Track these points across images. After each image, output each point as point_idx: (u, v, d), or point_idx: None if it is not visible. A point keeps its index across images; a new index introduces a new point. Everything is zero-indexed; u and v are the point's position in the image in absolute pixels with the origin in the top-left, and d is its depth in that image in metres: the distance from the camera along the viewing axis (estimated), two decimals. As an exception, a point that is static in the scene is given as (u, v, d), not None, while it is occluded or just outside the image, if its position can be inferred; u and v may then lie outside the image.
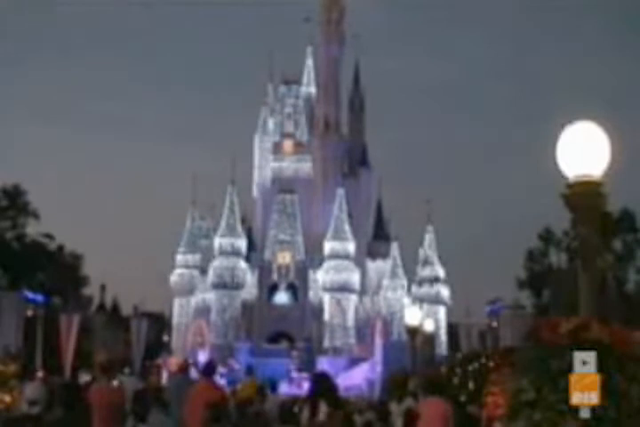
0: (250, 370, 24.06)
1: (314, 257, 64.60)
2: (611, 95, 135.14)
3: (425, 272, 66.17)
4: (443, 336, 61.81)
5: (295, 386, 46.53)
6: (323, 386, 9.11)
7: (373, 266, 68.00)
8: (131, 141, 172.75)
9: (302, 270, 64.79)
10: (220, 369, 40.36)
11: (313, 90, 71.99)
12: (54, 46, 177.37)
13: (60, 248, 58.84)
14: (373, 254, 68.75)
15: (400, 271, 65.23)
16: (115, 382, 12.33)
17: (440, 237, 67.96)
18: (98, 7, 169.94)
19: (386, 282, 64.92)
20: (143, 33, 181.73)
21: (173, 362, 37.58)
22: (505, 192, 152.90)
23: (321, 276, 62.85)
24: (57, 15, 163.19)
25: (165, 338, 68.44)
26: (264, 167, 69.76)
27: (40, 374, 23.66)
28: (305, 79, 73.43)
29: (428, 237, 67.12)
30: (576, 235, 5.54)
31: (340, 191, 64.83)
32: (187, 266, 66.44)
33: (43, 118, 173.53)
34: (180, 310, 66.04)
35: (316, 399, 8.92)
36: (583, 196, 5.44)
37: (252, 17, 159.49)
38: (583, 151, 5.51)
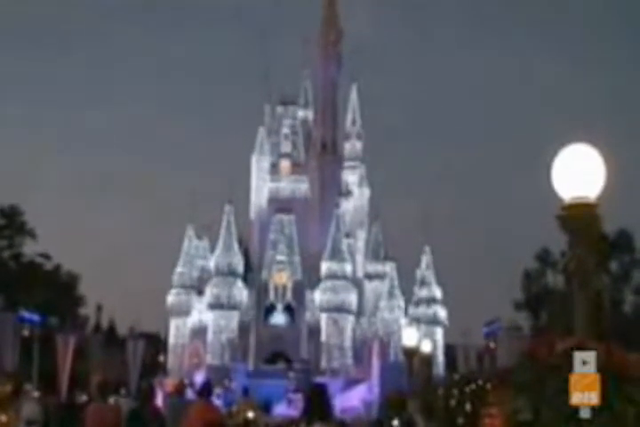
0: (246, 391, 24.03)
1: (311, 277, 64.53)
2: (606, 115, 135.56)
3: (422, 293, 66.08)
4: (440, 357, 61.62)
5: (292, 407, 46.35)
6: (315, 402, 8.14)
7: (370, 286, 67.99)
8: (128, 161, 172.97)
9: (299, 291, 64.68)
10: (217, 390, 40.22)
11: (310, 110, 72.23)
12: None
13: (57, 268, 58.80)
14: (370, 275, 68.75)
15: (397, 292, 65.18)
16: (111, 403, 12.32)
17: (437, 258, 67.97)
18: (97, 25, 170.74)
19: (383, 303, 64.86)
20: (143, 52, 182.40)
21: (170, 383, 37.52)
22: (503, 212, 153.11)
23: (318, 296, 62.75)
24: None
25: (161, 359, 68.20)
26: (261, 188, 69.84)
27: (36, 393, 23.58)
28: (302, 100, 73.71)
29: (426, 258, 67.10)
30: (572, 256, 5.56)
31: (337, 211, 64.88)
32: (183, 286, 66.30)
33: (40, 136, 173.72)
34: (176, 331, 65.84)
35: (310, 418, 8.05)
36: (578, 218, 5.46)
37: (250, 37, 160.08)
38: (578, 173, 5.54)
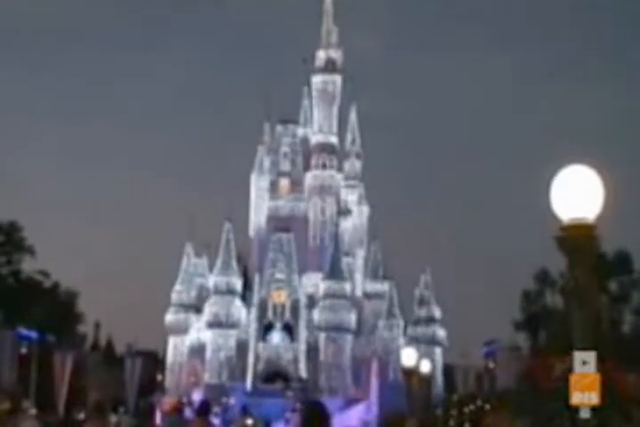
0: (245, 410, 23.99)
1: (309, 296, 64.47)
2: (605, 136, 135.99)
3: (421, 312, 66.02)
4: (439, 377, 61.47)
5: (291, 426, 46.20)
6: (314, 421, 7.70)
7: (369, 306, 67.85)
8: (129, 179, 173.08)
9: (298, 309, 64.60)
10: (215, 409, 40.08)
11: (309, 129, 72.39)
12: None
13: (56, 285, 58.63)
14: (369, 294, 68.64)
15: (396, 311, 65.06)
16: (111, 422, 12.30)
17: (437, 278, 67.97)
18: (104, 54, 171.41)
19: (382, 322, 64.73)
20: (143, 69, 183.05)
21: (167, 401, 37.40)
22: (503, 232, 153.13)
23: (316, 315, 62.66)
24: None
25: (159, 377, 67.98)
26: (260, 206, 69.94)
27: (34, 411, 23.49)
28: (302, 119, 73.93)
29: (425, 278, 67.07)
30: (570, 277, 5.58)
31: (336, 230, 64.92)
32: (182, 304, 66.22)
33: (41, 154, 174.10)
34: (174, 349, 65.70)
35: None
36: (577, 239, 5.48)
37: (251, 57, 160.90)
38: (577, 195, 5.56)
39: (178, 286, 66.80)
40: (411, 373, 23.56)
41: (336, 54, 70.82)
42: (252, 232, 70.18)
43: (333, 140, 70.50)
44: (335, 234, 64.66)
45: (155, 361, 69.68)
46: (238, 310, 62.75)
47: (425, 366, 31.42)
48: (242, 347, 62.50)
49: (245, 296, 64.41)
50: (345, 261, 64.98)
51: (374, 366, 54.00)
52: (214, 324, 62.12)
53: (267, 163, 71.02)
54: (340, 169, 70.70)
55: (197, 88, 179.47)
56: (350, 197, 72.24)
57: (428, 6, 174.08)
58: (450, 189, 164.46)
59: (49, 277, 57.63)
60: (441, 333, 65.76)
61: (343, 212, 70.19)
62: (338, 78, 70.34)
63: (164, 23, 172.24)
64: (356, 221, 71.77)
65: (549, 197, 5.76)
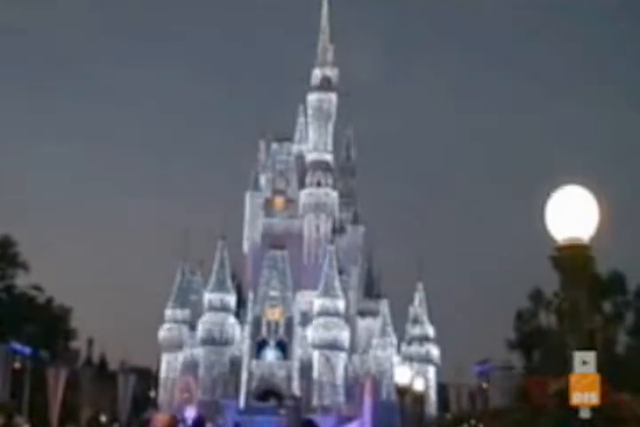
0: (238, 426, 23.95)
1: (303, 314, 64.41)
2: (600, 156, 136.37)
3: (415, 331, 65.93)
4: (432, 396, 61.32)
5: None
6: None
7: (363, 324, 67.79)
8: (122, 196, 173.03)
9: (292, 327, 64.53)
10: (208, 426, 39.97)
11: (304, 147, 72.54)
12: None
13: (49, 301, 58.53)
14: (363, 312, 68.59)
15: (390, 330, 65.02)
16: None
17: (431, 296, 67.84)
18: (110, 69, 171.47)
19: (375, 340, 64.65)
20: (142, 86, 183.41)
21: (160, 418, 37.30)
22: (498, 251, 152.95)
23: (310, 333, 62.59)
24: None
25: (152, 393, 67.72)
26: (255, 223, 69.97)
27: (26, 426, 23.42)
28: (297, 136, 74.09)
29: (419, 296, 67.04)
30: (565, 297, 5.64)
31: (331, 248, 64.96)
32: (175, 321, 66.10)
33: (37, 169, 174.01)
34: (167, 366, 65.50)
35: None
36: (572, 259, 5.55)
37: (247, 74, 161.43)
38: (571, 215, 5.63)
39: (171, 303, 66.71)
40: (404, 391, 23.61)
41: (332, 72, 71.10)
42: (246, 249, 70.20)
43: (328, 157, 70.67)
44: (330, 251, 64.69)
45: (148, 378, 69.46)
46: (232, 327, 62.68)
47: (418, 385, 31.45)
48: (235, 364, 62.38)
49: (239, 313, 64.36)
50: (339, 278, 64.97)
51: (368, 385, 53.87)
52: (208, 341, 62.01)
53: (262, 180, 71.19)
54: (334, 187, 70.82)
55: (193, 105, 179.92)
56: (345, 214, 72.35)
57: (425, 26, 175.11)
58: (445, 208, 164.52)
59: (43, 293, 57.56)
60: (434, 351, 65.66)
61: (338, 230, 70.25)
62: (333, 96, 70.62)
63: (163, 39, 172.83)
64: (351, 238, 71.81)
65: (545, 216, 5.83)
